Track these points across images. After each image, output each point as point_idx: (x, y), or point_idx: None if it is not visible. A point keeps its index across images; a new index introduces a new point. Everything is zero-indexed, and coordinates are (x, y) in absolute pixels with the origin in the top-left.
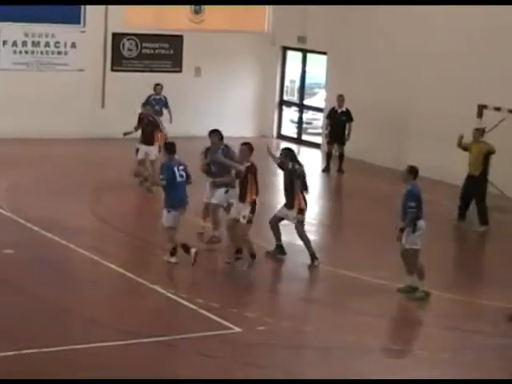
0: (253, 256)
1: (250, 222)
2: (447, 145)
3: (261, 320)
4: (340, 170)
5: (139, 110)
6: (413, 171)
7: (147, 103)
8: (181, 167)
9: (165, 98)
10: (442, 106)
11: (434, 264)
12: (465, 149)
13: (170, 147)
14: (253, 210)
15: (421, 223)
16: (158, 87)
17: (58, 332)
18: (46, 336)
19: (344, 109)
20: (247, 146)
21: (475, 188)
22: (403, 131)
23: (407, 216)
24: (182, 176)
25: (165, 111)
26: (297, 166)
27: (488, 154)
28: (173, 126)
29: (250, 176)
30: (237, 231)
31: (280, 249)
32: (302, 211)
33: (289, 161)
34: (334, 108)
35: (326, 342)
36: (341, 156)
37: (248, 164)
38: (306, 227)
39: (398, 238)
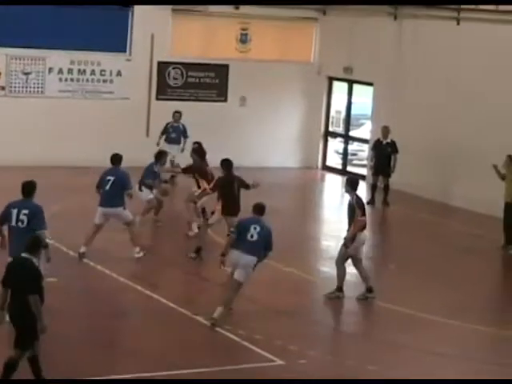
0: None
1: None
2: (496, 179)
3: (303, 353)
4: (385, 203)
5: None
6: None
7: (165, 131)
8: (24, 211)
9: (183, 125)
10: (492, 140)
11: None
12: (503, 178)
13: (23, 187)
14: None
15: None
16: (176, 115)
17: (101, 362)
18: (89, 365)
19: (389, 140)
20: None
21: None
22: (450, 164)
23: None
24: (22, 222)
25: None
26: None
27: None
28: (216, 155)
29: None
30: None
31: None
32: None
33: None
34: (378, 139)
35: (369, 376)
36: (386, 188)
37: None
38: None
39: None
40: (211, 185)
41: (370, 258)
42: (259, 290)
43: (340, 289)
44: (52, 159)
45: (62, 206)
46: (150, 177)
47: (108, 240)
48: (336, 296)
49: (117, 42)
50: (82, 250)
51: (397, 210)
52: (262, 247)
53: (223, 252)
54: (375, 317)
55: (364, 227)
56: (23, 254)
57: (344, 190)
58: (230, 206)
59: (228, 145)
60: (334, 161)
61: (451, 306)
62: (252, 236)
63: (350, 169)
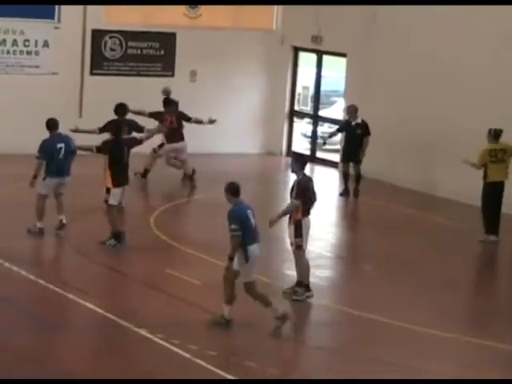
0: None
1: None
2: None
3: (264, 370)
4: (355, 193)
5: None
6: (231, 189)
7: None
8: None
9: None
10: (478, 122)
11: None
12: None
13: None
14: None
15: (252, 249)
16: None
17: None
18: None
19: (359, 121)
20: None
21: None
22: (435, 148)
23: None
24: None
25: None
26: None
27: None
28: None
29: None
30: None
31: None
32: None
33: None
34: (347, 120)
35: None
36: (357, 177)
37: None
38: (320, 261)
39: (227, 267)
40: (100, 144)
41: (342, 258)
42: (213, 298)
43: (307, 287)
44: None
45: None
46: None
47: (29, 239)
48: (306, 297)
49: (43, 6)
50: None
51: (371, 201)
52: None
53: (230, 255)
54: (347, 327)
55: (306, 212)
56: None
57: (291, 169)
58: (121, 176)
59: None
60: (301, 145)
61: (431, 313)
62: (254, 224)
63: (319, 155)
